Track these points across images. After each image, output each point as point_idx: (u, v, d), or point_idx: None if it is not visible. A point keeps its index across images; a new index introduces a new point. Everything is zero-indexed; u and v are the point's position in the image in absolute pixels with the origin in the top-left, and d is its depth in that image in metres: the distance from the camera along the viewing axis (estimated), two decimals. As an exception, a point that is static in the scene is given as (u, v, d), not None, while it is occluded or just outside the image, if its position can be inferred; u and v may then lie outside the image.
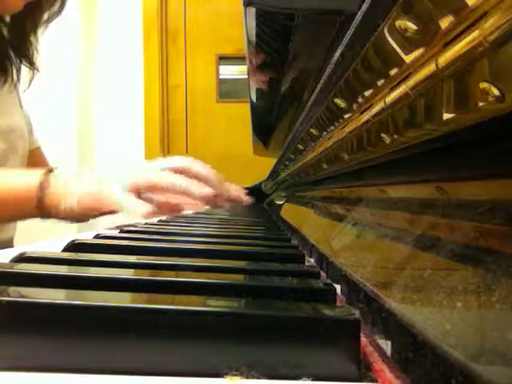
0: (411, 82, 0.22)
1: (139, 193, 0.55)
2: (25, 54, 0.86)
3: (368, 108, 0.30)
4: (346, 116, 0.36)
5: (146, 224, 0.62)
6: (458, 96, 0.19)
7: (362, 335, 0.19)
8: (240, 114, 2.16)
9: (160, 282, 0.24)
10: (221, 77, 2.31)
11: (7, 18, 0.83)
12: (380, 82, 0.27)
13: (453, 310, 0.16)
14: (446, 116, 0.20)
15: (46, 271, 0.24)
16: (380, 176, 0.38)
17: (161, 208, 0.58)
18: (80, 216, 0.57)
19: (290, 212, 0.89)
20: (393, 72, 0.24)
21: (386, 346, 0.20)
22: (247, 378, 0.16)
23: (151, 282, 0.24)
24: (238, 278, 0.26)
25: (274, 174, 1.22)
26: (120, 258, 0.30)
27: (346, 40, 0.29)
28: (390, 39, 0.22)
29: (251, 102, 0.77)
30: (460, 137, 0.22)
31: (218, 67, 2.30)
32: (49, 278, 0.23)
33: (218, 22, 2.23)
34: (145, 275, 0.26)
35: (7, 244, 0.80)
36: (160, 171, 0.56)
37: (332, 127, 0.42)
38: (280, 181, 1.18)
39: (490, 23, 0.15)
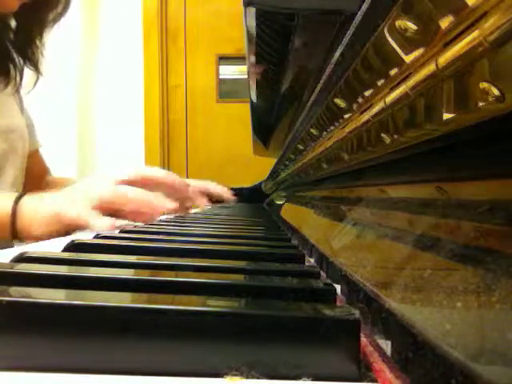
0: (411, 81, 0.22)
1: (104, 208, 0.57)
2: (30, 57, 0.86)
3: (368, 108, 0.30)
4: (346, 116, 0.36)
5: (146, 224, 0.62)
6: (457, 96, 0.19)
7: (362, 335, 0.19)
8: (240, 113, 2.16)
9: (160, 282, 0.24)
10: (221, 77, 2.31)
11: (12, 23, 0.83)
12: (380, 82, 0.27)
13: (453, 310, 0.16)
14: (446, 116, 0.20)
15: (46, 271, 0.24)
16: (380, 176, 0.38)
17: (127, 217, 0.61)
18: (51, 236, 0.58)
19: (290, 212, 0.89)
20: (393, 72, 0.24)
21: (386, 346, 0.20)
22: (247, 378, 0.16)
23: (151, 281, 0.24)
24: (237, 278, 0.26)
25: (273, 173, 1.22)
26: (120, 258, 0.30)
27: (345, 40, 0.29)
28: (390, 39, 0.22)
29: (251, 102, 0.77)
30: (460, 137, 0.22)
31: (218, 67, 2.30)
32: (49, 278, 0.23)
33: (218, 22, 2.23)
34: (145, 275, 0.26)
35: (7, 244, 0.80)
36: (116, 186, 0.58)
37: (332, 127, 0.42)
38: (280, 181, 1.18)
39: (490, 23, 0.15)
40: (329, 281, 0.34)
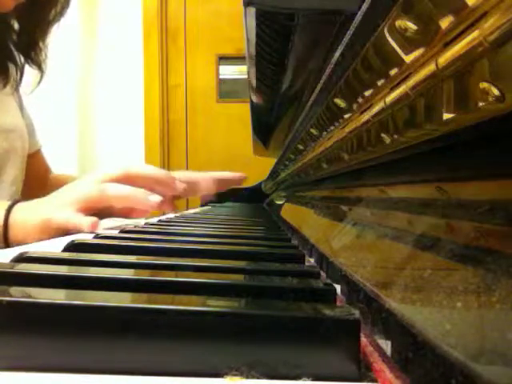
0: (411, 81, 0.22)
1: (92, 208, 0.58)
2: (33, 58, 0.87)
3: (368, 108, 0.30)
4: (346, 116, 0.36)
5: (146, 224, 0.62)
6: (458, 96, 0.19)
7: (362, 335, 0.19)
8: (240, 113, 2.16)
9: (160, 282, 0.24)
10: (221, 77, 2.31)
11: (15, 25, 0.83)
12: (380, 82, 0.27)
13: (453, 310, 0.16)
14: (446, 116, 0.20)
15: (46, 271, 0.24)
16: (380, 176, 0.38)
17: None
18: (41, 240, 0.59)
19: (290, 212, 0.89)
20: (393, 72, 0.24)
21: (386, 345, 0.20)
22: (247, 378, 0.16)
23: (151, 281, 0.24)
24: (237, 278, 0.26)
25: (273, 173, 1.22)
26: (120, 258, 0.30)
27: (345, 40, 0.29)
28: (390, 39, 0.22)
29: (251, 102, 0.77)
30: (460, 137, 0.22)
31: (218, 67, 2.30)
32: (49, 278, 0.23)
33: (218, 22, 2.23)
34: (145, 275, 0.26)
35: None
36: (100, 185, 0.58)
37: (332, 127, 0.42)
38: (280, 181, 1.18)
39: (489, 23, 0.15)
40: (329, 281, 0.34)
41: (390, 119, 0.28)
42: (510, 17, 0.14)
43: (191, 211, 1.09)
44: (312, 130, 0.50)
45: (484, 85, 0.16)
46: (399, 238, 0.26)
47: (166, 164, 2.30)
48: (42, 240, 0.55)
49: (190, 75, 2.31)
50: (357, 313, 0.18)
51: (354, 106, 0.33)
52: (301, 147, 0.64)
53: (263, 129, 1.04)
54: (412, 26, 0.20)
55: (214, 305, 0.19)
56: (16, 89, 0.88)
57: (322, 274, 0.37)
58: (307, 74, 0.53)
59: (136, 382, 0.16)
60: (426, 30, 0.19)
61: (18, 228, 0.58)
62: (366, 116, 0.30)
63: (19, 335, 0.17)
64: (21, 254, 0.29)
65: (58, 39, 0.93)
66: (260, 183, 1.56)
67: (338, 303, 0.24)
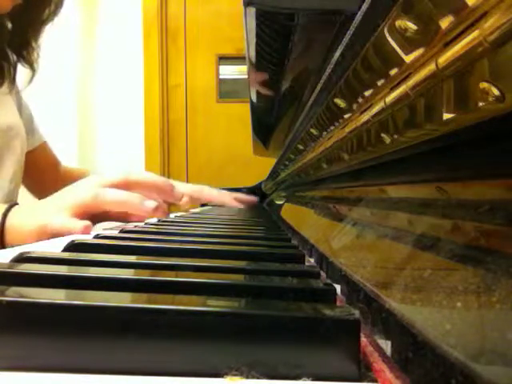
0: (411, 81, 0.22)
1: (87, 213, 0.59)
2: (25, 57, 0.88)
3: (368, 108, 0.30)
4: (346, 116, 0.36)
5: (146, 224, 0.62)
6: (457, 96, 0.19)
7: (362, 335, 0.19)
8: (240, 113, 2.16)
9: (160, 282, 0.24)
10: (221, 77, 2.31)
11: (8, 24, 0.84)
12: (380, 82, 0.27)
13: (453, 310, 0.16)
14: (446, 116, 0.20)
15: (46, 271, 0.24)
16: (380, 176, 0.38)
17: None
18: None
19: (290, 212, 0.89)
20: (393, 72, 0.24)
21: (386, 345, 0.20)
22: (247, 378, 0.16)
23: (151, 281, 0.24)
24: (237, 278, 0.26)
25: (273, 174, 1.22)
26: (120, 258, 0.30)
27: (346, 40, 0.29)
28: (390, 39, 0.22)
29: (251, 102, 0.77)
30: (460, 137, 0.22)
31: (218, 67, 2.30)
32: (49, 278, 0.23)
33: (218, 22, 2.23)
34: (145, 275, 0.26)
35: None
36: (97, 189, 0.59)
37: (332, 127, 0.42)
38: (280, 181, 1.18)
39: (489, 23, 0.15)
40: (329, 281, 0.34)
41: (390, 119, 0.28)
42: (510, 17, 0.14)
43: (191, 211, 1.09)
44: (312, 130, 0.50)
45: (484, 85, 0.16)
46: (399, 238, 0.26)
47: (166, 164, 2.30)
48: (36, 241, 0.55)
49: (190, 75, 2.31)
50: (357, 313, 0.18)
51: (354, 106, 0.33)
52: (301, 147, 0.64)
53: (263, 129, 1.04)
54: (412, 26, 0.20)
55: (214, 305, 0.19)
56: (13, 87, 0.88)
57: (322, 274, 0.37)
58: (307, 74, 0.53)
59: (136, 382, 0.16)
60: (426, 29, 0.19)
61: (14, 232, 0.58)
62: (366, 116, 0.30)
63: (19, 335, 0.17)
64: (21, 254, 0.29)
65: (58, 39, 0.93)
66: (260, 183, 1.56)
67: (338, 303, 0.24)
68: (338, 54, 0.31)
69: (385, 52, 0.23)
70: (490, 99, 0.16)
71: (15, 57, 0.87)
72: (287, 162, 0.88)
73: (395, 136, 0.28)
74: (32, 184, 1.04)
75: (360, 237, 0.34)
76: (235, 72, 2.33)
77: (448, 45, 0.18)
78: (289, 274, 0.27)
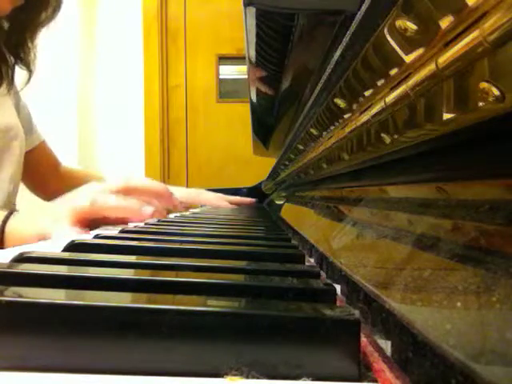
0: (411, 81, 0.22)
1: (87, 219, 0.59)
2: (22, 58, 0.88)
3: (368, 108, 0.30)
4: (346, 116, 0.36)
5: (146, 224, 0.62)
6: (457, 96, 0.19)
7: (362, 335, 0.19)
8: (240, 114, 2.16)
9: (160, 282, 0.24)
10: (221, 77, 2.31)
11: (5, 25, 0.84)
12: (380, 82, 0.27)
13: (453, 310, 0.16)
14: (446, 116, 0.20)
15: (46, 271, 0.24)
16: (380, 176, 0.38)
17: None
18: None
19: (290, 212, 0.89)
20: (393, 72, 0.24)
21: (386, 345, 0.20)
22: (247, 378, 0.16)
23: (151, 281, 0.24)
24: (237, 278, 0.26)
25: (273, 174, 1.22)
26: (120, 258, 0.30)
27: (346, 40, 0.29)
28: (390, 39, 0.22)
29: (251, 101, 0.77)
30: (460, 137, 0.22)
31: (218, 67, 2.30)
32: (49, 278, 0.23)
33: (218, 22, 2.23)
34: (145, 275, 0.26)
35: None
36: (96, 196, 0.59)
37: (332, 127, 0.42)
38: (280, 181, 1.18)
39: (489, 23, 0.15)
40: (329, 281, 0.34)
41: (390, 119, 0.28)
42: (510, 17, 0.14)
43: (191, 211, 1.09)
44: (312, 130, 0.50)
45: (484, 85, 0.16)
46: (399, 238, 0.26)
47: (166, 164, 2.30)
48: None
49: (190, 75, 2.31)
50: (357, 313, 0.18)
51: (354, 106, 0.33)
52: (301, 147, 0.64)
53: (263, 129, 1.04)
54: (412, 26, 0.20)
55: (214, 305, 0.19)
56: (11, 88, 0.89)
57: (322, 273, 0.37)
58: (307, 74, 0.53)
59: (136, 382, 0.16)
60: (426, 29, 0.19)
61: (14, 239, 0.58)
62: (366, 116, 0.30)
63: (19, 335, 0.17)
64: (21, 254, 0.29)
65: (58, 39, 0.94)
66: (260, 183, 1.56)
67: (338, 303, 0.24)
68: (337, 53, 0.31)
69: (385, 52, 0.23)
70: (490, 99, 0.16)
71: (13, 58, 0.88)
72: (287, 162, 0.88)
73: (395, 136, 0.28)
74: (34, 185, 1.05)
75: (360, 237, 0.34)
76: (235, 72, 2.33)
77: (448, 45, 0.18)
78: (289, 274, 0.27)
